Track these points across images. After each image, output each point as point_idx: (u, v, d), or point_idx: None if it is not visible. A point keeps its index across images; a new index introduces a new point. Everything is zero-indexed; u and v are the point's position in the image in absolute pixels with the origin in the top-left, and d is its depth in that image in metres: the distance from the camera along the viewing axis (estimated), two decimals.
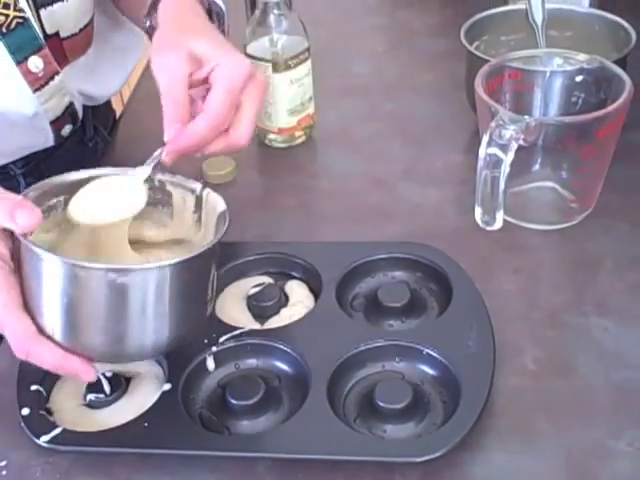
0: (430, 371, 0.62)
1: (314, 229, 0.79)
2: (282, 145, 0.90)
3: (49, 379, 0.63)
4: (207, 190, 0.63)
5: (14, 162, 0.82)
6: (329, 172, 0.87)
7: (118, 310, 0.55)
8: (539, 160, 0.76)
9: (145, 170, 0.63)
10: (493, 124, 0.68)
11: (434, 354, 0.62)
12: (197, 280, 0.58)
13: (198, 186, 0.64)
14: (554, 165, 0.77)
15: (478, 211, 0.70)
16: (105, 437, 0.58)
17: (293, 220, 0.80)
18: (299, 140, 0.90)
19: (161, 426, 0.58)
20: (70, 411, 0.62)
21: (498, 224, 0.70)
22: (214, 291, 0.60)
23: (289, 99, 0.87)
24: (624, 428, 0.58)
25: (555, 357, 0.64)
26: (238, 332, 0.65)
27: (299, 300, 0.69)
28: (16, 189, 0.82)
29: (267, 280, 0.71)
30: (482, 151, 0.67)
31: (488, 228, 0.70)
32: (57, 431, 0.59)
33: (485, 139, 0.67)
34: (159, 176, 0.64)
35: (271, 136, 0.90)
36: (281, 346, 0.64)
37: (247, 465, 0.57)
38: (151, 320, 0.56)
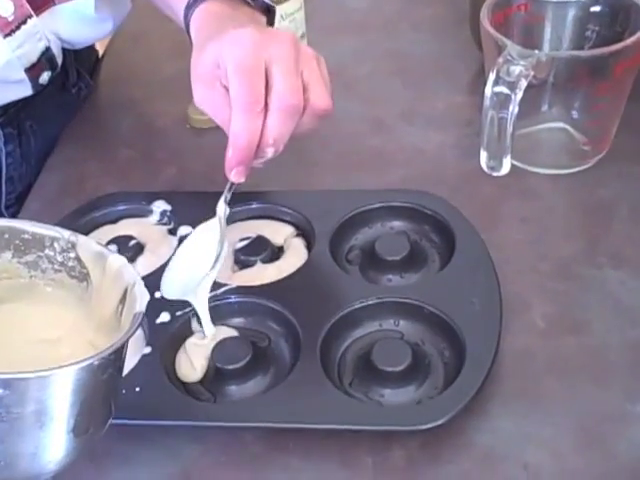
0: (431, 330, 0.57)
1: (307, 176, 0.73)
2: None
3: None
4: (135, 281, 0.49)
5: None
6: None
7: None
8: (549, 99, 0.70)
9: (221, 208, 0.59)
10: (500, 59, 0.62)
11: (436, 312, 0.57)
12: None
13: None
14: (565, 104, 0.71)
15: (483, 155, 0.64)
16: None
17: (284, 167, 0.73)
18: None
19: (140, 393, 0.54)
20: None
21: (505, 169, 0.64)
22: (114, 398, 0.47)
23: None
24: (637, 392, 0.54)
25: (566, 313, 0.59)
26: (223, 289, 0.60)
27: (291, 254, 0.64)
28: None
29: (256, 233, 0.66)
30: (488, 89, 0.61)
31: (494, 174, 0.65)
32: None
33: (492, 76, 0.61)
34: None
35: None
36: (270, 304, 0.59)
37: (234, 435, 0.53)
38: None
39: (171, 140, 0.79)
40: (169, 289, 0.58)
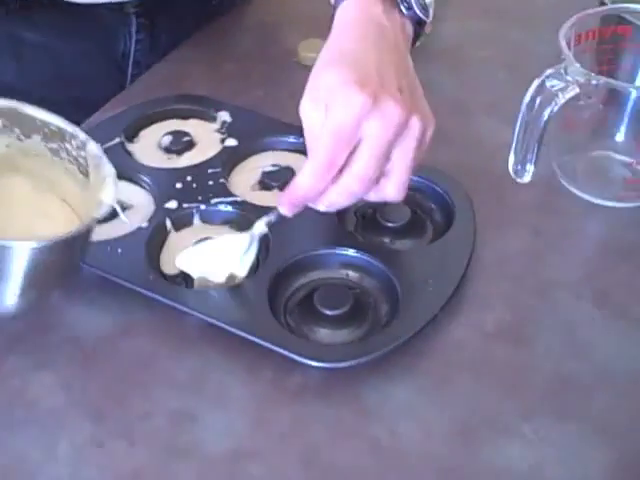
0: (379, 288, 0.61)
1: None
2: None
3: None
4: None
5: None
6: None
7: None
8: (623, 128, 0.69)
9: (259, 227, 0.61)
10: (552, 69, 0.62)
11: (389, 276, 0.60)
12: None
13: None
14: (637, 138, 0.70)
15: (511, 158, 0.65)
16: None
17: None
18: None
19: (121, 255, 0.62)
20: None
21: (527, 177, 0.65)
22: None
23: None
24: (534, 414, 0.54)
25: (520, 328, 0.60)
26: (230, 199, 0.66)
27: None
28: (127, 26, 0.88)
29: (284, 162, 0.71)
30: (529, 93, 0.62)
31: (518, 179, 0.65)
32: None
33: (536, 82, 0.61)
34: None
35: None
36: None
37: (179, 316, 0.59)
38: None
39: (274, 67, 0.86)
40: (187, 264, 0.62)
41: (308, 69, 0.88)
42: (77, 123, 0.61)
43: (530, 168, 0.63)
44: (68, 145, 0.59)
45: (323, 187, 0.56)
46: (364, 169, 0.55)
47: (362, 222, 0.67)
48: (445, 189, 0.67)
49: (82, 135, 0.59)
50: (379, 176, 0.57)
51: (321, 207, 0.58)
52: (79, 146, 0.59)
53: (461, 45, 0.88)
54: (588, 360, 0.57)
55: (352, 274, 0.62)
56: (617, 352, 0.58)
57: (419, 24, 0.64)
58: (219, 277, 0.61)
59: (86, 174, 0.60)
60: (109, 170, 0.58)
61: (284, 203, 0.58)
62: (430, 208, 0.67)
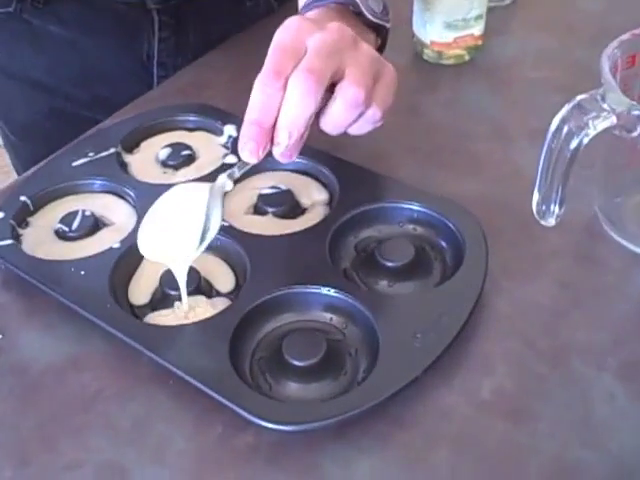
0: (362, 341, 0.52)
1: (393, 158, 0.68)
2: (431, 60, 0.79)
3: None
4: None
5: None
6: (456, 105, 0.74)
7: None
8: None
9: (222, 179, 0.56)
10: (586, 95, 0.52)
11: (370, 323, 0.52)
12: None
13: None
14: None
15: (535, 197, 0.55)
16: (37, 267, 0.57)
17: (385, 141, 0.71)
18: (450, 61, 0.78)
19: (84, 277, 0.56)
20: (38, 235, 0.62)
21: (552, 220, 0.55)
22: None
23: (447, 10, 0.75)
24: None
25: (520, 400, 0.50)
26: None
27: (304, 219, 0.61)
28: (150, 24, 0.83)
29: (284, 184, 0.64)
30: (555, 121, 0.52)
31: (542, 222, 0.56)
32: (7, 242, 0.60)
33: (566, 108, 0.52)
34: None
35: (425, 50, 0.79)
36: (234, 252, 0.58)
37: (134, 355, 0.53)
38: None
39: None
40: (147, 247, 0.55)
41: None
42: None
43: (555, 209, 0.54)
44: None
45: (275, 102, 0.54)
46: (313, 63, 0.54)
47: (360, 259, 0.59)
48: (457, 224, 0.58)
49: None
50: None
51: (283, 133, 0.54)
52: None
53: (514, 62, 0.79)
54: (601, 449, 0.47)
55: (336, 319, 0.54)
56: (639, 442, 0.48)
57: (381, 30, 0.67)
58: (190, 244, 0.53)
59: None
60: None
61: (244, 142, 0.54)
62: (440, 246, 0.59)
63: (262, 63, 0.84)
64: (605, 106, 0.51)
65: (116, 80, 0.85)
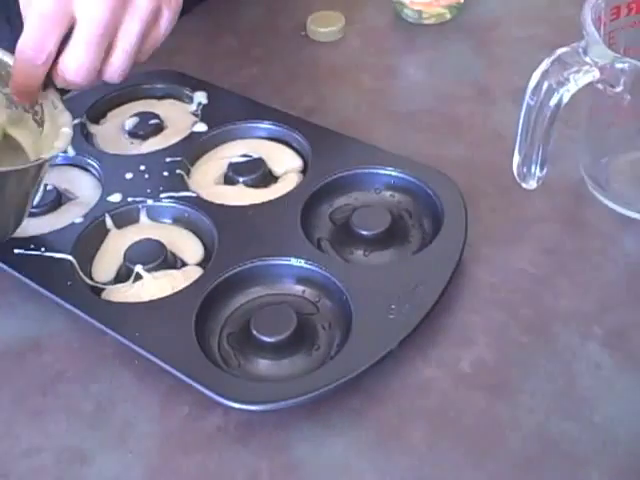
0: (336, 314, 0.50)
1: (371, 122, 0.65)
2: (411, 20, 0.76)
3: None
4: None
5: None
6: (437, 66, 0.71)
7: None
8: None
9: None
10: (567, 48, 0.49)
11: (344, 294, 0.49)
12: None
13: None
14: None
15: (515, 158, 0.52)
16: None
17: (362, 105, 0.68)
18: (431, 20, 0.75)
19: (41, 257, 0.53)
20: None
21: (533, 183, 0.52)
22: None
23: None
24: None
25: (502, 370, 0.48)
26: (183, 194, 0.56)
27: (276, 188, 0.58)
28: None
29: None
30: (535, 77, 0.49)
31: (523, 185, 0.53)
32: None
33: (546, 62, 0.49)
34: None
35: (405, 10, 0.76)
36: (199, 222, 0.55)
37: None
38: None
39: (278, 42, 0.75)
40: None
41: (317, 45, 0.79)
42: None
43: (536, 171, 0.51)
44: None
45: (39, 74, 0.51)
46: (79, 56, 0.51)
47: (335, 228, 0.56)
48: (436, 190, 0.55)
49: None
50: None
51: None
52: None
53: (498, 21, 0.75)
54: (585, 420, 0.45)
55: (309, 292, 0.52)
56: (624, 413, 0.45)
57: None
58: None
59: (40, 123, 0.54)
60: (66, 119, 0.53)
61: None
62: (418, 214, 0.56)
63: (236, 28, 0.82)
64: (587, 59, 0.48)
65: None
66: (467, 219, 0.53)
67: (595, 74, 0.48)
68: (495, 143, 0.62)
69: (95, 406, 0.48)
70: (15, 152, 0.57)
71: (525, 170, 0.52)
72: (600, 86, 0.48)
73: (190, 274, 0.53)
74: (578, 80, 0.47)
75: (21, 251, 0.54)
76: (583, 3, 0.54)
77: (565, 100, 0.48)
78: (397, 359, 0.48)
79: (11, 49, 0.80)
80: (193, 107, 0.66)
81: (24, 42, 0.51)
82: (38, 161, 0.51)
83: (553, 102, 0.48)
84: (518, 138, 0.51)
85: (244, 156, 0.60)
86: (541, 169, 0.51)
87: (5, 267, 0.53)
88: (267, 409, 0.46)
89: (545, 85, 0.48)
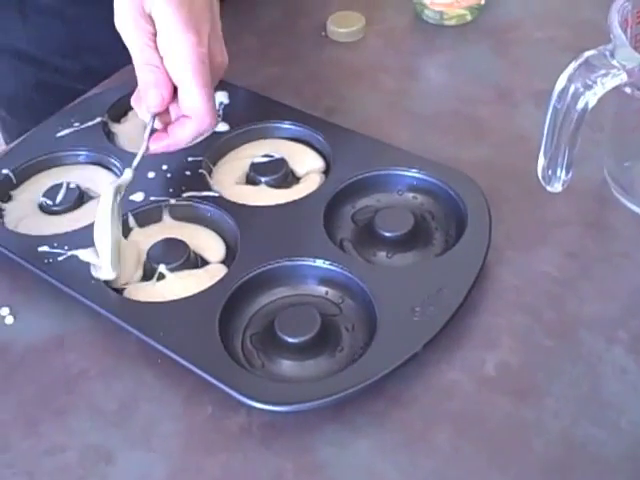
0: (359, 314, 0.50)
1: (391, 123, 0.65)
2: (431, 21, 0.76)
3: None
4: None
5: None
6: (457, 68, 0.71)
7: None
8: None
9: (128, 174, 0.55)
10: (594, 51, 0.49)
11: (368, 296, 0.49)
12: None
13: None
14: None
15: (540, 161, 0.52)
16: (20, 243, 0.55)
17: (383, 106, 0.68)
18: (452, 21, 0.75)
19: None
20: (21, 209, 0.59)
21: (558, 186, 0.52)
22: None
23: None
24: None
25: (528, 374, 0.47)
26: (205, 194, 0.57)
27: (299, 189, 0.58)
28: None
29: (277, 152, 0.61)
30: (561, 80, 0.49)
31: (548, 188, 0.53)
32: None
33: (573, 65, 0.49)
34: None
35: (426, 11, 0.76)
36: (223, 223, 0.55)
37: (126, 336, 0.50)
38: None
39: (298, 42, 0.75)
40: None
41: (337, 45, 0.79)
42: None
43: (561, 174, 0.51)
44: None
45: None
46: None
47: (357, 230, 0.56)
48: (459, 192, 0.55)
49: None
50: None
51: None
52: None
53: (518, 22, 0.75)
54: (611, 426, 0.45)
55: (332, 293, 0.52)
56: None
57: None
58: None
59: None
60: None
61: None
62: (441, 215, 0.56)
63: (256, 28, 0.82)
64: (614, 62, 0.47)
65: (107, 50, 0.81)
66: (491, 222, 0.53)
67: (622, 77, 0.47)
68: (517, 145, 0.62)
69: (119, 405, 0.48)
70: None
71: (550, 173, 0.52)
72: (628, 89, 0.48)
73: (214, 273, 0.53)
74: (605, 83, 0.47)
75: (44, 249, 0.54)
76: (606, 5, 0.54)
77: (592, 104, 0.48)
78: (421, 362, 0.47)
79: (24, 43, 0.81)
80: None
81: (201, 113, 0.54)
82: None
83: (580, 105, 0.48)
84: (543, 141, 0.51)
85: (266, 156, 0.60)
86: (567, 172, 0.51)
87: (29, 265, 0.53)
88: (292, 410, 0.46)
89: (572, 88, 0.48)
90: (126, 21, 0.55)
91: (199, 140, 0.60)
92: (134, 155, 0.61)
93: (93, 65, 0.81)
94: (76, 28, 0.80)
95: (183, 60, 0.53)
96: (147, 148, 0.55)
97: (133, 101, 0.57)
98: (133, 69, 0.73)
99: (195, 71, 0.53)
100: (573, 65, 0.48)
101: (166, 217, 0.57)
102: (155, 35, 0.54)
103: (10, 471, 0.45)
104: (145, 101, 0.55)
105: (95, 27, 0.80)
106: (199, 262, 0.54)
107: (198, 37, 0.53)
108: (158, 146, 0.56)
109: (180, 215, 0.57)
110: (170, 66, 0.54)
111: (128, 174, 0.54)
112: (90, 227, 0.55)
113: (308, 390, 0.46)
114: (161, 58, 0.54)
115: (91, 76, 0.76)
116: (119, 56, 0.79)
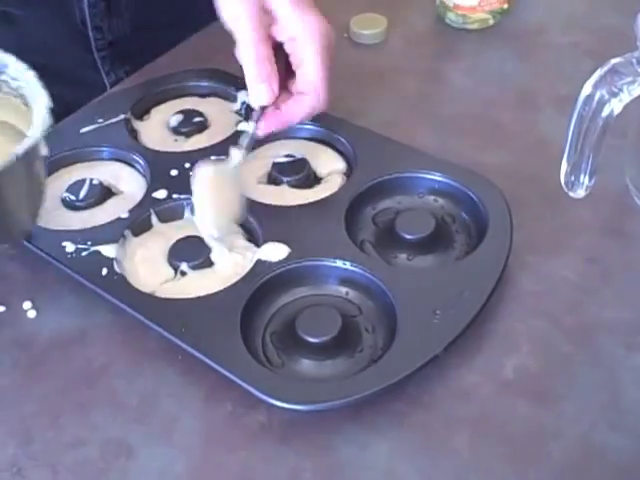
0: (378, 314, 0.50)
1: (413, 125, 0.65)
2: (454, 25, 0.76)
3: None
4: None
5: None
6: (480, 72, 0.71)
7: None
8: None
9: (237, 155, 0.55)
10: (620, 59, 0.49)
11: (388, 297, 0.50)
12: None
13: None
14: None
15: (564, 167, 0.52)
16: (43, 237, 0.55)
17: (404, 108, 0.68)
18: (474, 25, 0.75)
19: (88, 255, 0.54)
20: (46, 204, 0.59)
21: (581, 192, 0.52)
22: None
23: None
24: None
25: (547, 380, 0.47)
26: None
27: (320, 189, 0.58)
28: None
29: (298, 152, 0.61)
30: (587, 87, 0.49)
31: (571, 193, 0.53)
32: None
33: (598, 72, 0.49)
34: None
35: (448, 14, 0.76)
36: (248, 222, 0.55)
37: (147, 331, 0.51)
38: None
39: None
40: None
41: (359, 47, 0.79)
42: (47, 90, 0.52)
43: (584, 180, 0.51)
44: (5, 77, 0.53)
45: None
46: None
47: (378, 231, 0.56)
48: (480, 196, 0.55)
49: (18, 65, 0.52)
50: None
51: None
52: (15, 77, 0.52)
53: (542, 27, 0.75)
54: (631, 432, 0.45)
55: (352, 294, 0.52)
56: None
57: None
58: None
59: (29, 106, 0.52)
60: (41, 101, 0.50)
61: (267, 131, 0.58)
62: (462, 219, 0.56)
63: None
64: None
65: (55, 48, 0.81)
66: (512, 226, 0.53)
67: None
68: (539, 150, 0.62)
69: (139, 400, 0.48)
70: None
71: (573, 179, 0.52)
72: None
73: (237, 270, 0.53)
74: (632, 91, 0.47)
75: (68, 244, 0.54)
76: (630, 11, 0.54)
77: (617, 111, 0.48)
78: (441, 364, 0.48)
79: (8, 46, 0.81)
80: (237, 106, 0.66)
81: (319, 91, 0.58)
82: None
83: (605, 112, 0.48)
84: (567, 147, 0.51)
85: (288, 156, 0.61)
86: (590, 178, 0.51)
87: (52, 260, 0.54)
88: (312, 409, 0.46)
89: (597, 95, 0.48)
90: (242, 16, 0.56)
91: (220, 139, 0.61)
92: (158, 153, 0.62)
93: (43, 62, 0.80)
94: (21, 30, 0.80)
95: (310, 39, 0.56)
96: (256, 130, 0.57)
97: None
98: (156, 68, 0.74)
99: (320, 48, 0.56)
100: (599, 72, 0.49)
101: (188, 215, 0.57)
102: (269, 28, 0.57)
103: (32, 463, 0.45)
104: (254, 94, 0.57)
105: (40, 28, 0.80)
106: None
107: (318, 16, 0.57)
108: (271, 123, 0.58)
109: None
110: (295, 46, 0.57)
111: (238, 155, 0.55)
112: (113, 223, 0.56)
113: (329, 390, 0.46)
114: (274, 51, 0.56)
115: (42, 73, 0.75)
116: (66, 53, 0.80)
